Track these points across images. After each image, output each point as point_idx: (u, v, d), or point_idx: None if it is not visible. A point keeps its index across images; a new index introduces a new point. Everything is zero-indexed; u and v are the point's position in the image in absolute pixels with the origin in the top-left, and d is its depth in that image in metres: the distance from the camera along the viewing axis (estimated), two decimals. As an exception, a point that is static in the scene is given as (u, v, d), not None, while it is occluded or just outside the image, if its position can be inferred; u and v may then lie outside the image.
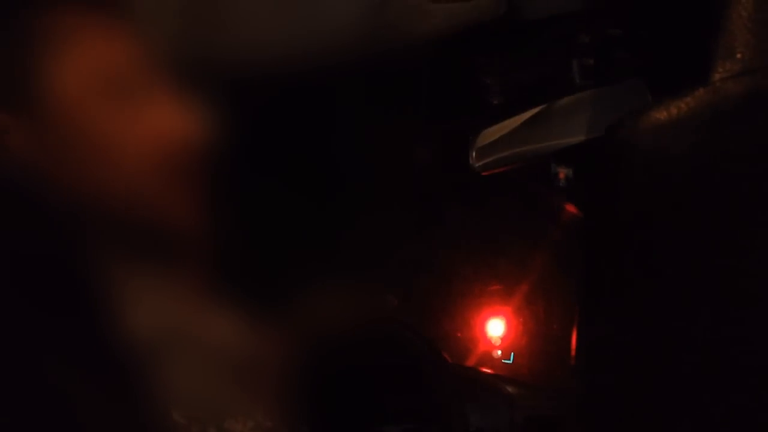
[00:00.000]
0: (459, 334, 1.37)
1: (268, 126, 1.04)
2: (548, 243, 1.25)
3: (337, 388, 0.93)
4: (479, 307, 1.38)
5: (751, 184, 0.52)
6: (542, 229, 1.23)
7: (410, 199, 1.27)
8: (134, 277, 0.66)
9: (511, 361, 1.38)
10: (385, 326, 1.04)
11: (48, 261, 0.61)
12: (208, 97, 0.72)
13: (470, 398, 1.01)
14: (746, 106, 0.53)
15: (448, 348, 1.21)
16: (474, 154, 0.93)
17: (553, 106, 0.85)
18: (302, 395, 0.74)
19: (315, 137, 1.15)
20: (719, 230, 0.55)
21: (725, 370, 0.56)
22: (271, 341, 0.74)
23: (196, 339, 0.67)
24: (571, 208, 0.94)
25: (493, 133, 0.91)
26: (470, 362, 1.36)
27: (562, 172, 0.87)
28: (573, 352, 0.67)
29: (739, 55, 0.54)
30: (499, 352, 1.39)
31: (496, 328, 1.39)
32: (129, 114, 0.68)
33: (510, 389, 1.05)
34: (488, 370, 1.26)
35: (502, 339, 1.39)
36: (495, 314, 1.39)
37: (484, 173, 0.93)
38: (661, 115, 0.56)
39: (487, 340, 1.39)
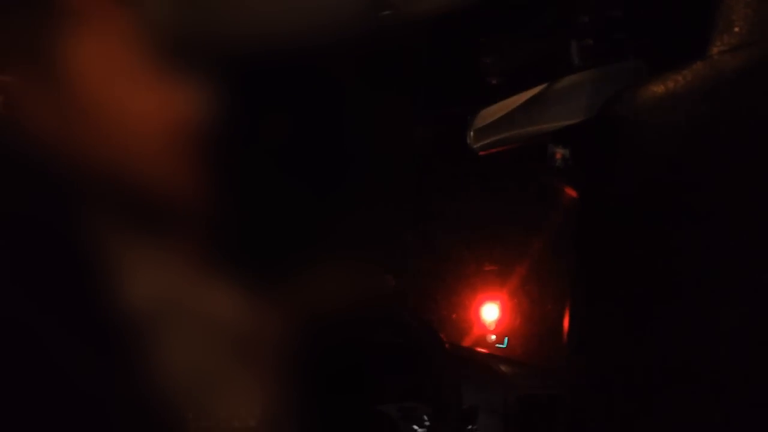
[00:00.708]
0: (454, 317, 1.38)
1: (266, 105, 1.04)
2: (544, 226, 1.25)
3: (335, 366, 0.93)
4: (474, 291, 1.38)
5: (749, 156, 0.53)
6: (538, 212, 1.23)
7: (408, 181, 1.27)
8: (132, 248, 0.66)
9: (504, 346, 1.39)
10: (383, 306, 1.04)
11: (46, 228, 0.61)
12: (206, 74, 0.72)
13: (465, 378, 1.01)
14: (743, 79, 0.53)
15: (444, 330, 1.21)
16: (472, 134, 0.93)
17: (552, 87, 0.85)
18: (299, 372, 0.74)
19: (313, 117, 1.15)
20: (717, 205, 0.55)
21: (716, 352, 0.56)
22: (269, 317, 0.74)
23: (192, 311, 0.67)
24: (567, 189, 0.94)
25: (490, 113, 0.91)
26: (465, 345, 1.36)
27: (559, 153, 0.87)
28: (566, 334, 0.67)
29: (737, 29, 0.54)
30: (493, 337, 1.40)
31: (490, 312, 1.39)
32: (133, 89, 0.68)
33: (504, 369, 1.05)
34: (483, 350, 1.26)
35: (497, 323, 1.39)
36: (490, 299, 1.39)
37: (481, 153, 0.93)
38: (658, 88, 0.56)
39: (482, 325, 1.40)
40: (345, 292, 1.01)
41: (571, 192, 0.92)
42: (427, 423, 1.01)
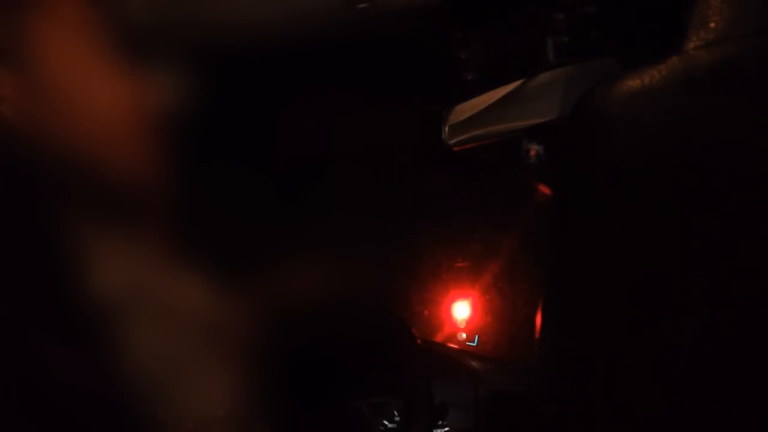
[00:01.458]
0: (426, 313, 1.38)
1: (243, 95, 1.04)
2: (517, 223, 1.26)
3: (306, 360, 0.93)
4: (446, 288, 1.38)
5: (723, 152, 0.53)
6: (511, 209, 1.24)
7: (383, 176, 1.27)
8: (102, 238, 0.66)
9: (475, 344, 1.39)
10: (355, 301, 1.04)
11: (15, 217, 0.60)
12: (178, 64, 0.72)
13: (436, 373, 1.01)
14: (718, 75, 0.53)
15: (415, 326, 1.21)
16: (446, 129, 0.93)
17: (527, 84, 0.85)
18: (268, 365, 0.74)
19: (290, 110, 1.14)
20: (692, 201, 0.55)
21: (689, 353, 0.56)
22: (237, 310, 0.74)
23: (160, 302, 0.67)
24: (541, 186, 0.94)
25: (466, 109, 0.92)
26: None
27: (534, 150, 0.87)
28: (538, 331, 0.67)
29: (712, 24, 0.54)
30: (464, 335, 1.40)
31: (461, 310, 1.39)
32: (101, 78, 0.68)
33: (475, 365, 1.05)
34: (454, 346, 1.26)
35: (468, 321, 1.40)
36: (461, 297, 1.39)
37: (455, 149, 0.93)
38: (633, 83, 0.56)
39: (453, 322, 1.40)
40: (318, 287, 1.01)
41: (545, 189, 0.92)
42: (397, 418, 1.01)
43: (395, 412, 1.02)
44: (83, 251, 0.62)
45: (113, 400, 0.59)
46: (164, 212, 0.72)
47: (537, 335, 0.67)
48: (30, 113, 0.66)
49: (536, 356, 0.69)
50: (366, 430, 1.02)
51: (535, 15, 0.89)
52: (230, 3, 0.92)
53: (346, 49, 1.01)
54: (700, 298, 0.55)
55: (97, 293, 0.62)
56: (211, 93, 0.76)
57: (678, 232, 0.55)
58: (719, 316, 0.54)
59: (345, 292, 1.05)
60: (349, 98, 1.13)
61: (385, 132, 1.24)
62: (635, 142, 0.56)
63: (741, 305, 0.54)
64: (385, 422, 1.02)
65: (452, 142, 0.92)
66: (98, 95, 0.68)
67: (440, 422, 1.01)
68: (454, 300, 1.39)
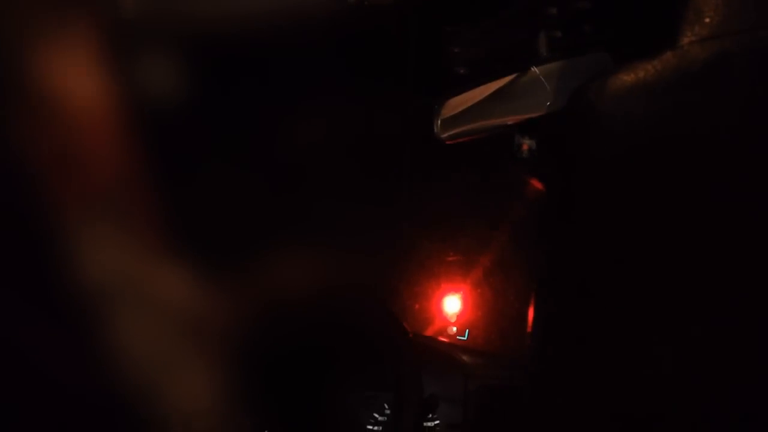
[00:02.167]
0: (417, 307, 1.38)
1: (231, 87, 1.03)
2: (508, 217, 1.26)
3: (295, 353, 0.93)
4: (437, 282, 1.38)
5: (716, 148, 0.53)
6: (502, 203, 1.24)
7: (372, 169, 1.27)
8: (88, 229, 0.65)
9: (465, 338, 1.39)
10: (346, 295, 1.04)
11: (3, 207, 0.60)
12: (167, 55, 0.71)
13: (426, 366, 1.01)
14: (712, 70, 0.53)
15: (406, 320, 1.21)
16: (438, 123, 0.93)
17: (519, 78, 0.85)
18: (255, 358, 0.74)
19: (280, 102, 1.14)
20: (686, 195, 0.55)
21: (679, 347, 0.56)
22: (223, 302, 0.74)
23: (145, 294, 0.67)
24: (533, 181, 0.94)
25: (458, 103, 0.91)
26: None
27: (526, 144, 0.87)
28: (529, 327, 0.67)
29: (707, 20, 0.54)
30: (455, 329, 1.40)
31: (452, 304, 1.40)
32: (89, 72, 0.68)
33: (465, 358, 1.05)
34: (445, 339, 1.26)
35: (458, 316, 1.40)
36: (452, 291, 1.39)
37: (447, 143, 0.93)
38: (627, 78, 0.56)
39: (443, 317, 1.40)
40: (307, 281, 1.00)
41: (537, 183, 0.92)
42: (387, 411, 1.01)
43: (385, 405, 1.02)
44: (70, 240, 0.62)
45: (96, 392, 0.59)
46: (152, 205, 0.71)
47: (528, 329, 0.67)
48: (17, 107, 0.65)
49: (526, 350, 0.69)
50: (356, 422, 1.02)
51: (527, 9, 0.89)
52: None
53: (337, 41, 1.01)
54: (694, 293, 0.55)
55: (82, 284, 0.62)
56: (199, 85, 0.76)
57: (671, 225, 0.55)
58: (712, 310, 0.55)
59: (336, 285, 1.05)
60: (340, 91, 1.12)
61: (377, 125, 1.24)
62: (629, 137, 0.56)
63: (735, 299, 0.54)
64: (376, 415, 1.02)
65: (444, 135, 0.92)
66: (85, 86, 0.68)
67: (430, 415, 1.02)
68: (445, 294, 1.39)
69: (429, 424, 1.02)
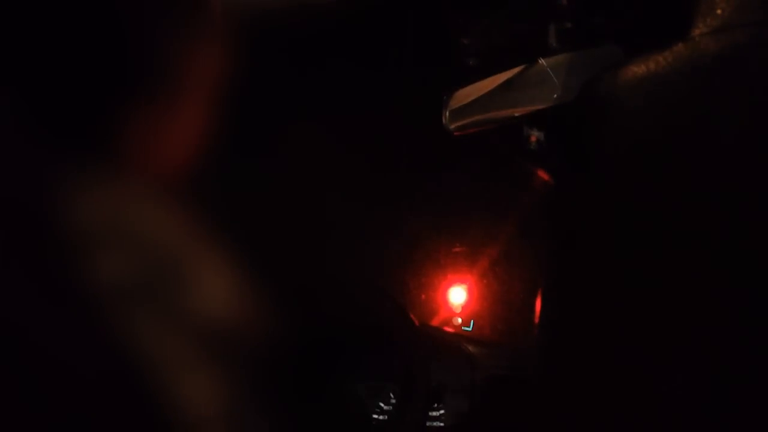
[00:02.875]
0: (423, 297, 1.38)
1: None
2: (515, 208, 1.26)
3: (302, 345, 0.93)
4: (443, 273, 1.38)
5: (729, 140, 0.53)
6: (509, 194, 1.24)
7: (381, 161, 1.27)
8: (106, 224, 0.65)
9: (470, 329, 1.39)
10: (353, 286, 1.04)
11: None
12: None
13: (433, 357, 1.01)
14: (725, 62, 0.53)
15: (412, 311, 1.21)
16: (447, 114, 0.93)
17: (529, 69, 0.85)
18: (263, 354, 0.74)
19: (284, 97, 1.14)
20: (698, 188, 0.55)
21: (688, 341, 0.56)
22: (256, 317, 0.73)
23: (170, 301, 0.66)
24: (541, 173, 0.95)
25: (466, 94, 0.91)
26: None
27: (534, 136, 0.87)
28: (536, 318, 0.67)
29: (719, 11, 0.54)
30: (460, 320, 1.40)
31: (457, 295, 1.40)
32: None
33: (472, 349, 1.06)
34: (451, 329, 1.27)
35: (464, 307, 1.40)
36: (457, 282, 1.39)
37: (456, 134, 0.93)
38: (638, 69, 0.56)
39: (449, 307, 1.40)
40: (313, 272, 1.01)
41: (544, 175, 0.92)
42: (394, 401, 1.02)
43: (392, 395, 1.02)
44: (88, 240, 0.62)
45: (108, 383, 0.59)
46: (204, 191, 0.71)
47: (535, 321, 0.67)
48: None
49: (533, 341, 0.69)
50: (363, 413, 1.02)
51: (538, 0, 0.89)
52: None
53: (344, 30, 1.01)
54: (708, 289, 0.55)
55: (101, 279, 0.62)
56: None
57: (684, 218, 0.55)
58: (723, 304, 0.55)
59: (342, 276, 1.05)
60: (346, 82, 1.12)
61: (383, 117, 1.24)
62: (640, 129, 0.56)
63: (745, 293, 0.54)
64: (382, 405, 1.03)
65: (453, 126, 0.92)
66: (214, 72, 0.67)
67: (437, 405, 1.02)
68: (450, 285, 1.39)
69: (436, 413, 1.02)
